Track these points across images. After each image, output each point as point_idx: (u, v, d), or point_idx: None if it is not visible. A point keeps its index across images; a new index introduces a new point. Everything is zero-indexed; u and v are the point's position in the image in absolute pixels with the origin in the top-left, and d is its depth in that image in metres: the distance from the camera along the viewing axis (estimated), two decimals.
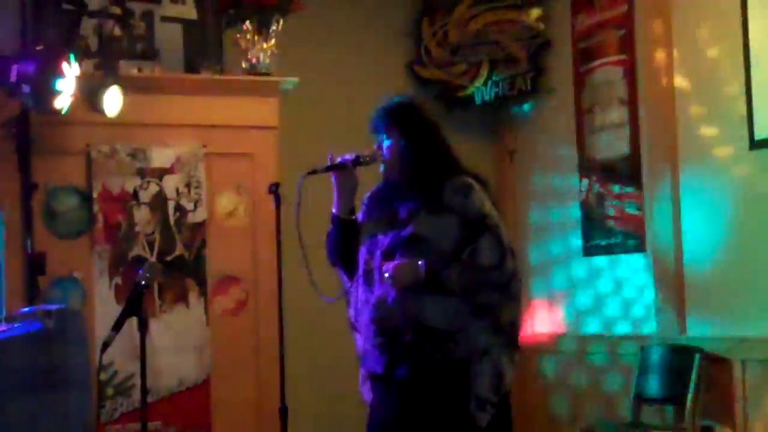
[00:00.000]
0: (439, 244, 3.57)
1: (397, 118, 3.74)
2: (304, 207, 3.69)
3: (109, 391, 5.29)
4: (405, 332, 3.56)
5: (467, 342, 3.56)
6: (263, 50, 5.71)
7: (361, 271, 3.72)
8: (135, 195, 5.49)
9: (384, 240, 3.66)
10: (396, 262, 3.55)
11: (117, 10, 5.60)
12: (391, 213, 3.70)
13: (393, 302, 3.57)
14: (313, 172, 3.77)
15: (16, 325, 3.92)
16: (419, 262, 3.52)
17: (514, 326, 3.65)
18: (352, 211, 3.79)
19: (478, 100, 6.53)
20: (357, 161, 3.74)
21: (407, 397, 3.59)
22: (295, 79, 5.78)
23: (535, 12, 6.39)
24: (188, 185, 5.58)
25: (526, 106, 6.52)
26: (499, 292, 3.59)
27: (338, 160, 3.76)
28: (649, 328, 5.60)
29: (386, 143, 3.72)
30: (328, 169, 3.76)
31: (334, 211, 3.79)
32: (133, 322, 3.86)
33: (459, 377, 3.56)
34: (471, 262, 3.55)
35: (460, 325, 3.55)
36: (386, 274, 3.54)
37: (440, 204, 3.61)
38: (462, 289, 3.54)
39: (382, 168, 3.75)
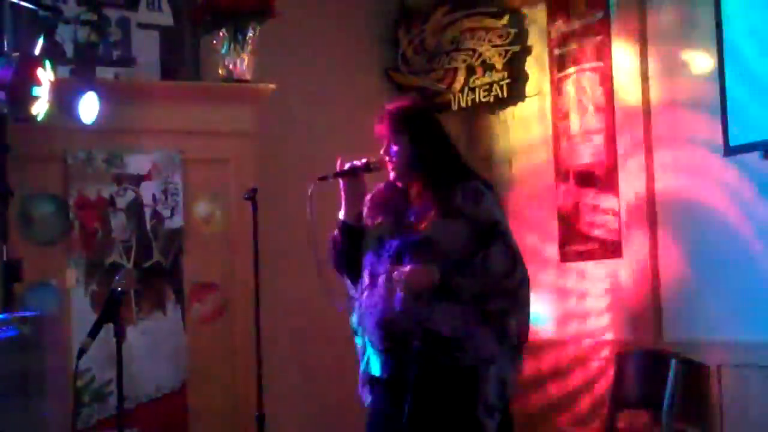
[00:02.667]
0: (449, 249, 3.55)
1: (406, 121, 3.72)
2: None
3: (86, 398, 5.27)
4: (413, 338, 3.54)
5: (475, 349, 3.55)
6: (240, 57, 5.71)
7: (367, 275, 3.69)
8: (111, 201, 5.48)
9: (392, 243, 3.63)
10: (410, 267, 3.53)
11: (93, 17, 5.58)
12: (399, 216, 3.68)
13: (400, 307, 3.55)
14: (324, 178, 3.74)
15: None
16: (434, 267, 3.51)
17: (521, 332, 3.65)
18: (359, 217, 3.76)
19: (454, 106, 6.54)
20: (367, 168, 3.72)
21: (414, 403, 3.57)
22: (272, 86, 5.79)
23: (512, 19, 6.41)
24: (165, 192, 5.57)
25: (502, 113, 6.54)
26: (509, 298, 3.59)
27: (347, 166, 3.73)
28: (626, 333, 5.61)
29: (395, 147, 3.70)
30: (338, 175, 3.74)
31: (341, 217, 3.76)
32: (110, 328, 3.85)
33: (466, 384, 3.55)
34: (484, 268, 3.54)
35: (468, 332, 3.54)
36: (397, 281, 3.52)
37: (451, 208, 3.60)
38: (474, 296, 3.53)
39: (390, 174, 3.73)
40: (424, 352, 3.53)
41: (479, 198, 3.64)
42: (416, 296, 3.52)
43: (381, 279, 3.62)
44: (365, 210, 3.77)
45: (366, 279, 3.68)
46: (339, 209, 3.75)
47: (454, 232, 3.59)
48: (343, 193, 3.75)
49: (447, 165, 3.71)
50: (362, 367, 3.76)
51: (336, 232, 3.76)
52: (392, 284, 3.55)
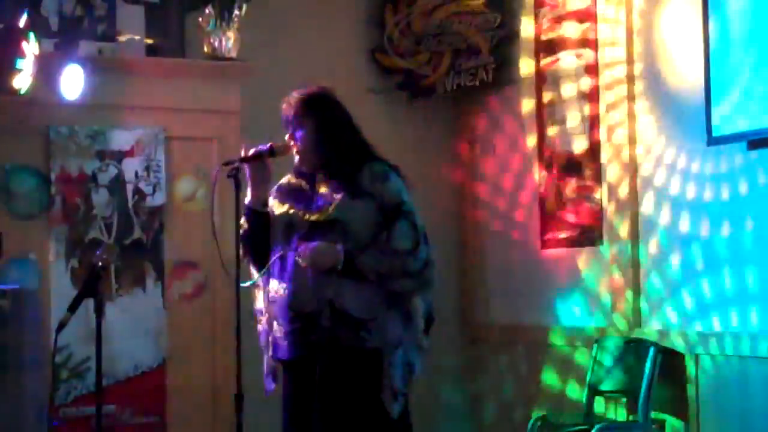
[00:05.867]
0: (358, 228, 3.64)
1: (311, 107, 3.79)
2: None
3: (64, 374, 5.26)
4: (322, 316, 3.59)
5: (380, 332, 3.62)
6: (226, 34, 5.69)
7: (275, 258, 3.73)
8: (94, 177, 5.46)
9: (301, 225, 3.69)
10: (313, 244, 3.58)
11: None
12: (307, 201, 3.73)
13: (310, 285, 3.60)
14: (229, 163, 3.81)
15: None
16: (338, 246, 3.56)
17: (427, 315, 3.71)
18: (266, 203, 3.82)
19: (440, 90, 6.53)
20: (272, 152, 3.77)
21: (321, 384, 3.63)
22: (258, 64, 5.76)
23: (499, 4, 6.40)
24: (147, 169, 5.55)
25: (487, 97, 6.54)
26: (413, 278, 3.65)
27: (252, 151, 3.79)
28: (605, 321, 5.64)
29: (300, 132, 3.75)
30: (244, 160, 3.80)
31: (247, 202, 3.82)
32: (90, 305, 3.84)
33: (371, 367, 3.61)
34: (386, 246, 3.60)
35: (374, 314, 3.62)
36: (303, 256, 3.58)
37: (358, 189, 3.66)
38: (377, 275, 3.60)
39: (295, 158, 3.78)
40: (332, 330, 3.58)
41: (385, 178, 3.72)
42: (324, 274, 3.57)
43: (290, 261, 3.66)
44: (272, 200, 3.83)
45: (277, 263, 3.73)
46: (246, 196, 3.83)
47: (361, 212, 3.66)
48: (249, 179, 3.81)
49: (353, 149, 3.77)
50: (266, 353, 3.82)
51: (243, 218, 3.81)
52: (300, 263, 3.60)
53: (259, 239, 3.79)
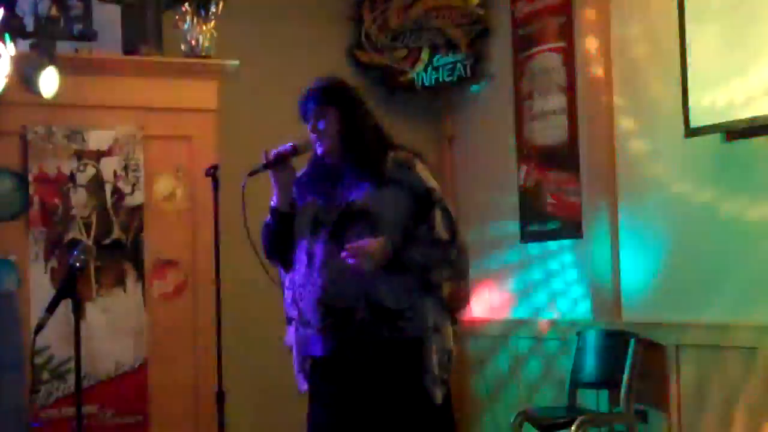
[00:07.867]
0: (389, 217, 3.54)
1: (332, 97, 3.71)
2: (248, 191, 3.66)
3: (45, 375, 5.24)
4: (356, 311, 3.54)
5: (418, 320, 3.55)
6: (203, 32, 5.68)
7: (304, 255, 3.67)
8: (72, 177, 5.44)
9: (328, 219, 3.63)
10: (363, 241, 3.51)
11: None
12: (330, 193, 3.66)
13: (345, 280, 3.54)
14: (254, 172, 3.72)
15: None
16: (387, 242, 3.51)
17: (461, 298, 3.67)
18: (293, 205, 3.75)
19: (418, 85, 6.54)
20: (295, 151, 3.70)
21: (359, 378, 3.58)
22: (235, 62, 5.76)
23: None
24: (126, 168, 5.54)
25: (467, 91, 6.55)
26: (450, 267, 3.61)
27: (273, 153, 3.71)
28: (586, 313, 5.65)
29: (323, 123, 3.69)
30: (267, 166, 3.72)
31: (273, 204, 3.74)
32: (69, 306, 3.83)
33: (411, 356, 3.56)
34: (430, 238, 3.56)
35: (410, 302, 3.55)
36: (354, 255, 3.49)
37: (384, 177, 3.60)
38: (421, 267, 3.54)
39: (319, 150, 3.71)
40: (368, 324, 3.54)
41: (411, 165, 3.64)
42: (367, 269, 3.51)
43: (319, 256, 3.61)
44: (295, 195, 3.76)
45: (303, 258, 3.67)
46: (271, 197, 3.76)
47: (389, 201, 3.58)
48: (274, 182, 3.73)
49: (375, 137, 3.72)
50: (297, 351, 3.76)
51: (268, 218, 3.76)
52: (337, 260, 3.53)
53: (286, 239, 3.74)
